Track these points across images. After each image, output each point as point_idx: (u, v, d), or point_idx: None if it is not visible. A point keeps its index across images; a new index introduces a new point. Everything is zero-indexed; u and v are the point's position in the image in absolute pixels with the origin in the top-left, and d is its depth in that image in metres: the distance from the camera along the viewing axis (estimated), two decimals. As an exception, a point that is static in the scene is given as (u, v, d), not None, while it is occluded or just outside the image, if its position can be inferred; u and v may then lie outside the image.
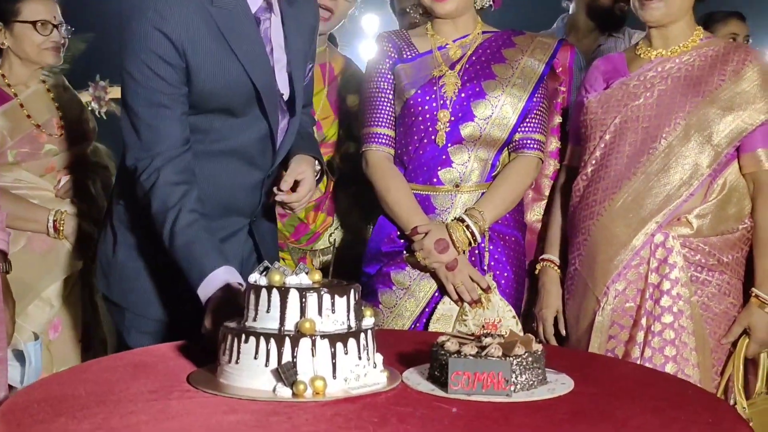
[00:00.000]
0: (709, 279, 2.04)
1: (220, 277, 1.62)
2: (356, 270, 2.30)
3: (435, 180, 2.18)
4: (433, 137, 2.16)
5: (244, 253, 1.94)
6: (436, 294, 2.19)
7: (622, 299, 2.07)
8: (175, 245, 1.67)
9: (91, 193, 2.64)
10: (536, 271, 2.28)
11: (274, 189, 1.84)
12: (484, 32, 2.25)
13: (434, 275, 2.17)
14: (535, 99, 2.19)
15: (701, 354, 2.00)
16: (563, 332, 2.21)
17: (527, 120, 2.19)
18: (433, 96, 2.16)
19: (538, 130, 2.21)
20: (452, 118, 2.15)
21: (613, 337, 2.08)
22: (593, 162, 2.14)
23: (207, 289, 1.62)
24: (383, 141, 2.22)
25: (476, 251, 2.18)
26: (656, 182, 2.04)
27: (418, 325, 2.19)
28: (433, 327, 2.15)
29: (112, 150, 2.84)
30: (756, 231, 2.06)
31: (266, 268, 1.43)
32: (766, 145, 2.04)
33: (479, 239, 2.14)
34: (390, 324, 2.20)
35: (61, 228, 2.50)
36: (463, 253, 2.14)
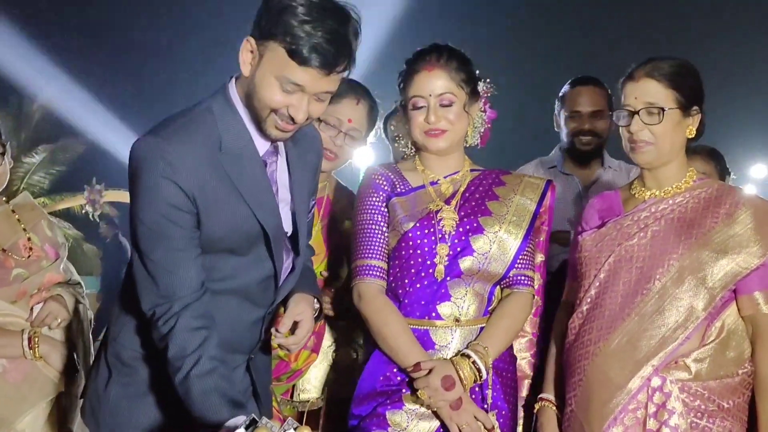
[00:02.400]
0: (710, 426, 1.96)
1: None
2: (346, 409, 2.21)
3: (434, 314, 2.13)
4: (431, 271, 2.13)
5: (241, 388, 1.88)
6: None
7: None
8: (193, 393, 1.63)
9: (69, 311, 2.54)
10: (534, 410, 2.21)
11: (272, 330, 1.82)
12: (472, 170, 2.26)
13: (434, 414, 2.08)
14: (530, 236, 2.19)
15: None
16: None
17: (522, 257, 2.18)
18: (432, 230, 2.14)
19: (530, 267, 2.21)
20: (451, 252, 2.13)
21: None
22: (588, 300, 2.11)
23: None
24: (377, 273, 2.17)
25: (477, 388, 2.12)
26: (651, 324, 2.00)
27: None
28: None
29: (101, 250, 2.78)
30: (756, 377, 2.00)
31: (253, 422, 1.38)
32: (762, 287, 2.00)
33: (484, 375, 2.08)
34: None
35: (36, 347, 2.41)
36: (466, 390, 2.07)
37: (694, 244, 2.02)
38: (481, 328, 2.14)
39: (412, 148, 2.26)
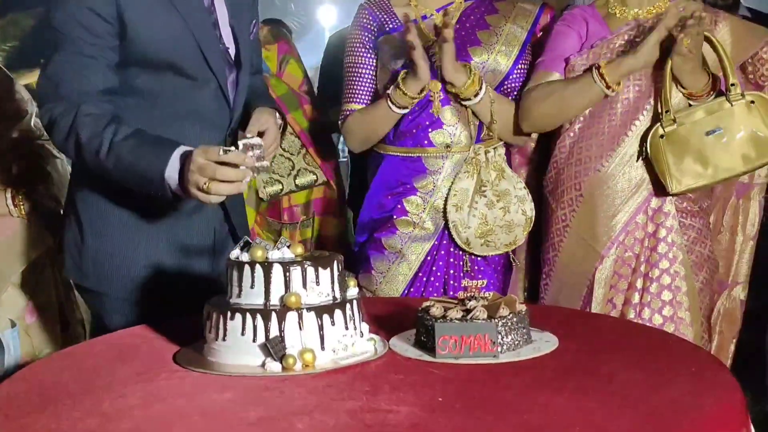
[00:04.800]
0: (693, 224, 2.10)
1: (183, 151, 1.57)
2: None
3: (426, 142, 2.18)
4: (428, 100, 2.15)
5: (216, 224, 1.89)
6: (428, 258, 2.19)
7: (622, 249, 2.10)
8: (124, 156, 1.58)
9: (47, 172, 2.54)
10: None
11: (239, 134, 1.81)
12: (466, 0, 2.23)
13: (425, 237, 2.17)
14: (519, 66, 2.21)
15: (693, 310, 2.06)
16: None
17: (511, 78, 2.21)
18: None
19: (519, 86, 2.23)
20: (441, 86, 2.13)
21: (613, 287, 2.12)
22: (581, 119, 2.13)
23: (175, 165, 1.55)
24: None
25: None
26: None
27: (412, 289, 2.20)
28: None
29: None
30: None
31: (247, 243, 1.42)
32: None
33: (482, 91, 2.11)
34: (383, 289, 2.20)
35: (21, 204, 2.43)
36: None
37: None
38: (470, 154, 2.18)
39: None
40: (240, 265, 1.37)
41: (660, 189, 2.06)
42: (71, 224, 1.85)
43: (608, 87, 2.03)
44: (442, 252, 2.20)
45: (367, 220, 2.27)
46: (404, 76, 2.09)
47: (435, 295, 2.13)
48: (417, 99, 2.11)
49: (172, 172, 1.55)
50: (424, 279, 2.20)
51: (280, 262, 1.35)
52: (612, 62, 2.03)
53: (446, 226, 2.18)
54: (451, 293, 2.12)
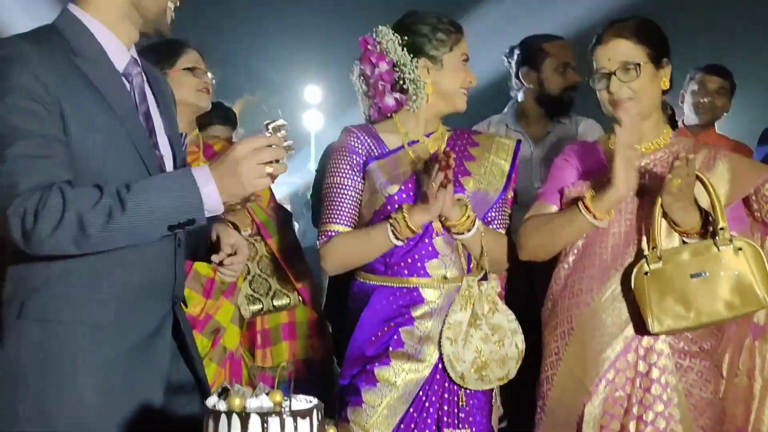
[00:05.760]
0: (692, 366, 2.05)
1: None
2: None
3: (422, 273, 2.17)
4: (426, 229, 2.15)
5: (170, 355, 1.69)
6: (420, 392, 2.14)
7: (612, 388, 2.06)
8: (141, 204, 1.48)
9: None
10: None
11: (212, 257, 1.78)
12: (447, 129, 2.29)
13: (419, 367, 2.13)
14: (503, 197, 2.27)
15: None
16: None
17: (495, 207, 2.26)
18: (418, 192, 2.16)
19: (503, 216, 2.29)
20: None
21: (605, 427, 2.06)
22: (575, 251, 2.15)
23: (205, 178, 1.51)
24: None
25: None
26: None
27: (402, 426, 2.13)
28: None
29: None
30: None
31: (225, 390, 1.39)
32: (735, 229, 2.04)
33: (474, 229, 2.14)
34: (376, 424, 2.13)
35: None
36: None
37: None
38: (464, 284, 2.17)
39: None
40: (216, 414, 1.33)
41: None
42: (7, 346, 1.57)
43: (596, 218, 2.05)
44: (435, 386, 2.16)
45: (358, 355, 2.20)
46: (409, 208, 2.09)
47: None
48: (417, 233, 2.12)
49: (206, 188, 1.50)
50: (415, 415, 2.14)
51: (258, 413, 1.32)
52: (596, 195, 2.06)
53: (440, 359, 2.14)
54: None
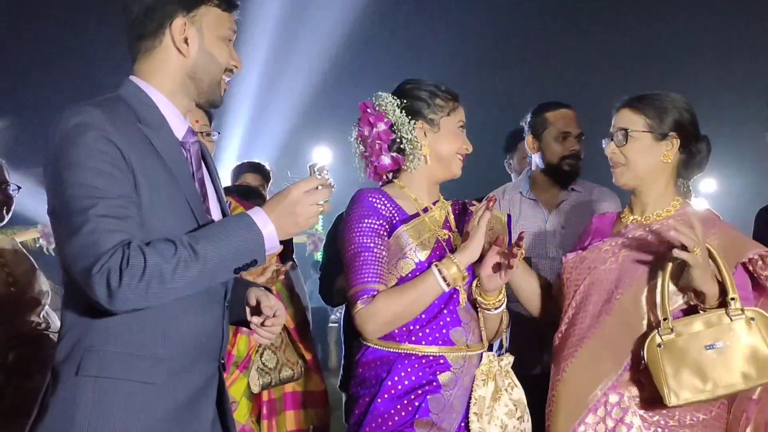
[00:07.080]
0: None
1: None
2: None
3: (448, 340, 2.14)
4: (450, 298, 2.15)
5: (213, 416, 1.77)
6: None
7: None
8: (210, 251, 1.58)
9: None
10: None
11: (253, 319, 1.84)
12: (445, 199, 2.31)
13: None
14: None
15: None
16: None
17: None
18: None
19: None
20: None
21: None
22: (566, 320, 2.19)
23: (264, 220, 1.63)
24: None
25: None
26: (609, 343, 2.08)
27: None
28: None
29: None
30: None
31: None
32: None
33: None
34: None
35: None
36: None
37: (648, 271, 2.07)
38: (482, 354, 2.17)
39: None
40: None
41: (621, 398, 2.02)
42: (63, 405, 1.62)
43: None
44: None
45: (379, 424, 2.09)
46: (449, 255, 2.11)
47: None
48: (464, 280, 2.13)
49: (266, 229, 1.62)
50: None
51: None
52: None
53: (461, 428, 2.13)
54: None
